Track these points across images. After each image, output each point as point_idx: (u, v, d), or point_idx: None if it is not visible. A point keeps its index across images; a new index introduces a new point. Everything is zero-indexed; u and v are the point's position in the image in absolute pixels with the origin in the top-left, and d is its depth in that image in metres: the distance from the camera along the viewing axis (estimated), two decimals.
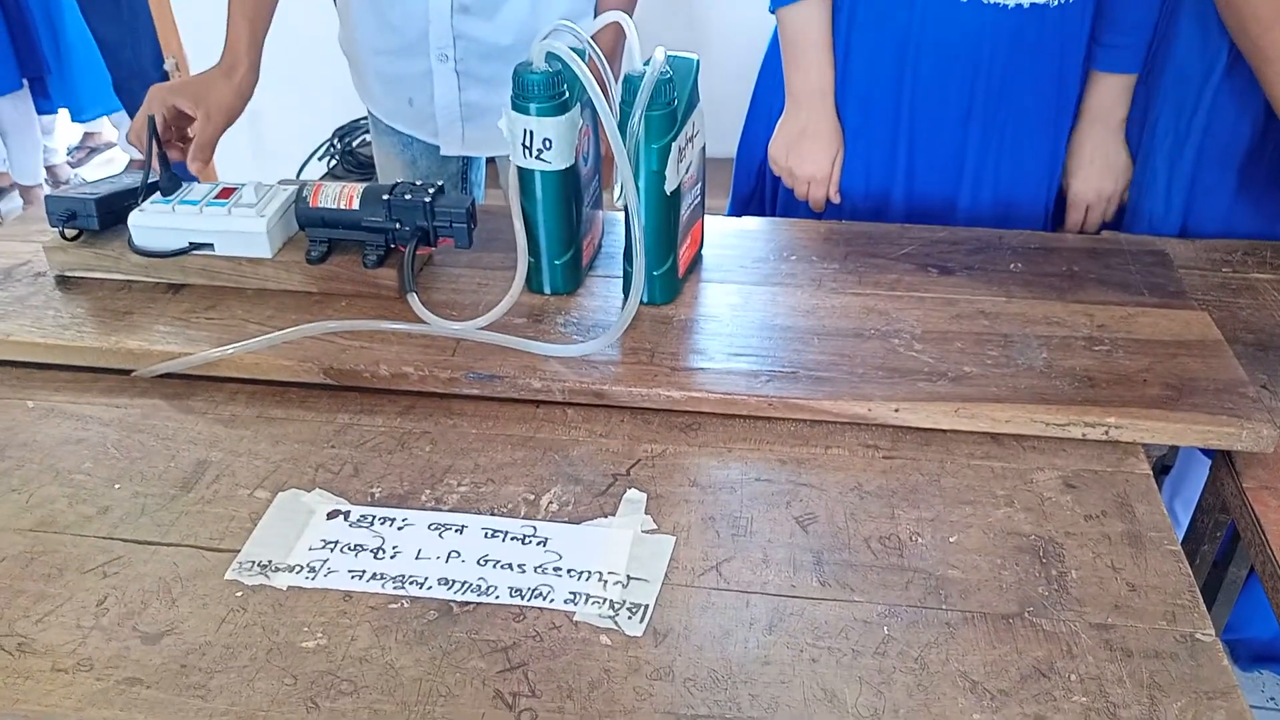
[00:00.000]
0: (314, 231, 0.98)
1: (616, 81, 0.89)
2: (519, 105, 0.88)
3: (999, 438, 0.82)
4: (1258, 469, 0.80)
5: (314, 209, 0.96)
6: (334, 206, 0.96)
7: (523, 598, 0.68)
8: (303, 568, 0.70)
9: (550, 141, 0.89)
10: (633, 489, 0.77)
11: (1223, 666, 0.62)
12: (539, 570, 0.70)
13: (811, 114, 1.20)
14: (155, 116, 1.08)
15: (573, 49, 0.86)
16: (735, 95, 1.56)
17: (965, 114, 1.18)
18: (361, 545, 0.72)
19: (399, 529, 0.74)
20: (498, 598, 0.68)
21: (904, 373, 0.85)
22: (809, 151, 1.21)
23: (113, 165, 3.51)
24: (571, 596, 0.68)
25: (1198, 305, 0.96)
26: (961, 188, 1.23)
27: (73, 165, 3.48)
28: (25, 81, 2.96)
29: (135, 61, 2.51)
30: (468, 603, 0.68)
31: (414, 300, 0.92)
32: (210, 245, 0.98)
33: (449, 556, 0.71)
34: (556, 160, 0.90)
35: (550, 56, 0.87)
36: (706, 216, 1.06)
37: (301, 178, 2.26)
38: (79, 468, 0.81)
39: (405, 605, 0.67)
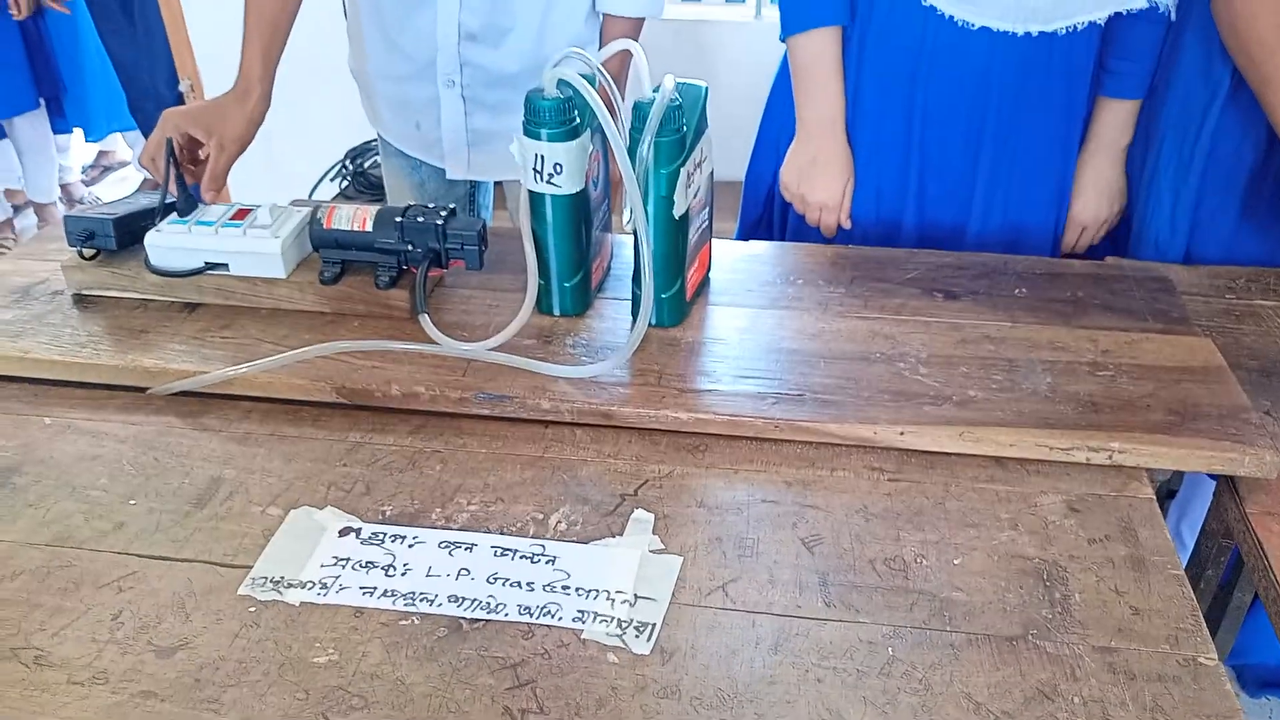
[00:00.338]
0: (327, 253, 0.99)
1: (623, 99, 0.91)
2: (530, 130, 0.90)
3: (1003, 461, 0.83)
4: (1261, 494, 0.81)
5: (328, 231, 0.98)
6: (348, 228, 0.97)
7: (531, 615, 0.69)
8: (315, 584, 0.71)
9: (561, 166, 0.90)
10: (640, 509, 0.78)
11: (1225, 691, 0.63)
12: (547, 589, 0.71)
13: (823, 142, 1.22)
14: (171, 140, 1.10)
15: (583, 75, 0.87)
16: (743, 119, 1.58)
17: (975, 140, 1.20)
18: (373, 562, 0.73)
19: (410, 547, 0.75)
20: (507, 615, 0.69)
21: (909, 396, 0.86)
22: (820, 179, 1.23)
23: (126, 184, 3.55)
24: (579, 615, 0.69)
25: (1201, 331, 0.97)
26: (972, 213, 1.24)
27: (87, 183, 3.52)
28: (42, 101, 3.00)
29: (150, 82, 2.54)
30: (477, 620, 0.68)
31: (425, 321, 0.93)
32: (225, 265, 0.99)
33: (459, 574, 0.72)
34: (567, 184, 0.91)
35: (561, 83, 0.88)
36: (714, 240, 1.07)
37: (313, 198, 2.28)
38: (95, 484, 0.82)
39: (416, 622, 0.68)
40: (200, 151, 1.15)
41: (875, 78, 1.19)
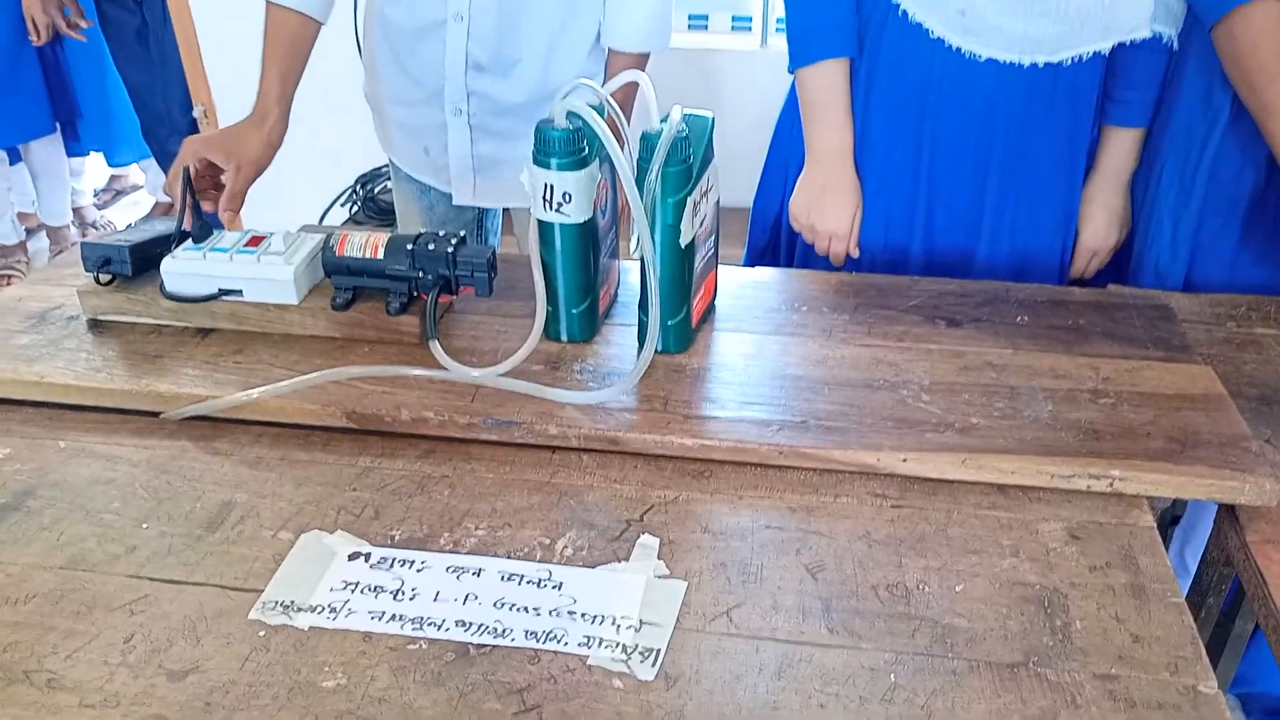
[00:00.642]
0: (339, 279, 1.01)
1: (630, 124, 0.93)
2: (540, 160, 0.92)
3: (1005, 488, 0.83)
4: (1261, 523, 0.82)
5: (340, 257, 1.00)
6: (359, 255, 0.99)
7: (538, 640, 0.69)
8: (324, 608, 0.72)
9: (570, 195, 0.92)
10: (646, 534, 0.79)
11: (1225, 719, 0.63)
12: (554, 614, 0.72)
13: (831, 172, 1.24)
14: (189, 168, 1.12)
15: (591, 106, 0.89)
16: (750, 147, 1.60)
17: (982, 169, 1.21)
18: (381, 587, 0.74)
19: (418, 571, 0.76)
20: (513, 640, 0.70)
21: (912, 423, 0.87)
22: (829, 208, 1.24)
23: (138, 208, 3.59)
24: (585, 640, 0.69)
25: (1202, 359, 0.97)
26: (979, 240, 1.26)
27: (99, 207, 3.56)
28: (57, 125, 3.05)
29: (164, 108, 2.58)
30: (484, 645, 0.69)
31: (435, 347, 0.94)
32: (239, 291, 1.01)
33: (466, 599, 0.73)
34: (575, 213, 0.93)
35: (570, 114, 0.90)
36: (721, 267, 1.08)
37: (324, 223, 2.30)
38: (108, 507, 0.83)
39: (423, 646, 0.69)
40: (221, 177, 1.18)
41: (884, 108, 1.21)
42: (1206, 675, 0.66)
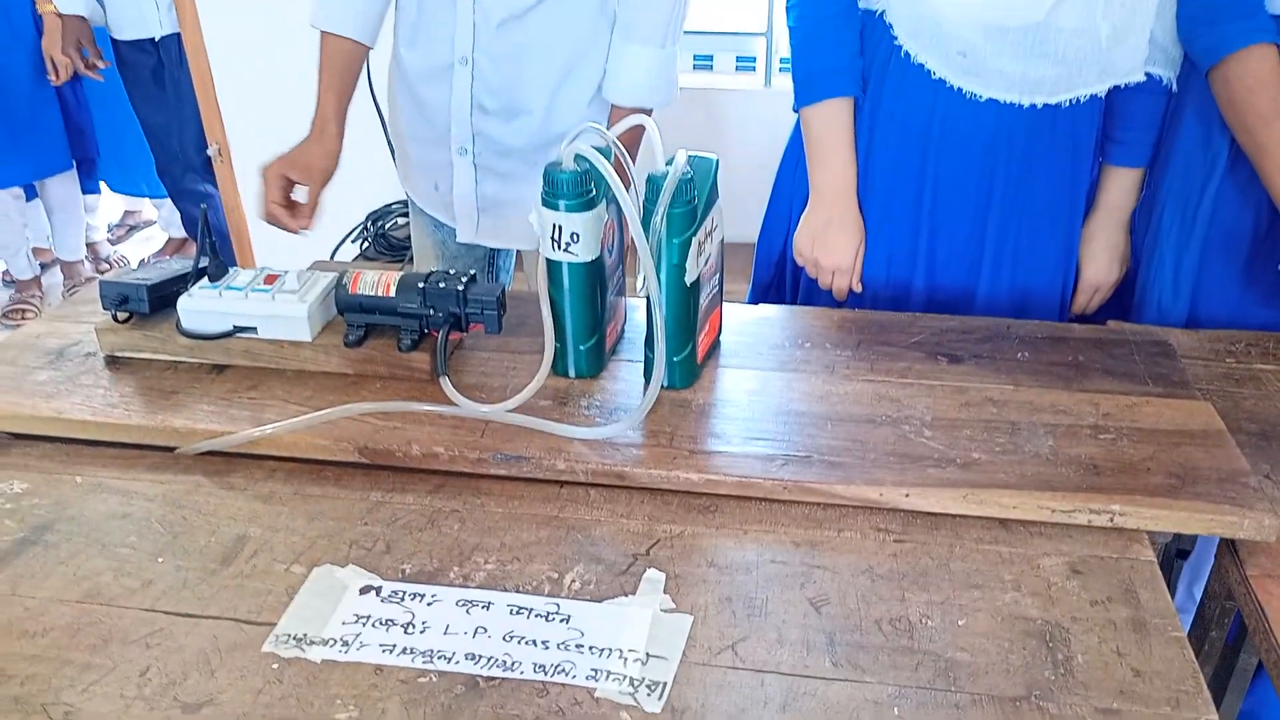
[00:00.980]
0: (352, 316, 1.03)
1: (634, 162, 0.95)
2: (549, 201, 0.94)
3: (1007, 523, 0.84)
4: (1261, 557, 0.82)
5: (353, 295, 1.02)
6: (372, 293, 1.01)
7: (546, 673, 0.71)
8: (336, 641, 0.74)
9: (578, 235, 0.94)
10: (652, 569, 0.80)
11: None
12: (562, 647, 0.73)
13: (835, 209, 1.26)
14: (207, 210, 1.15)
15: (598, 148, 0.92)
16: (754, 184, 1.63)
17: (983, 207, 1.24)
18: (392, 620, 0.75)
19: (428, 605, 0.77)
20: (522, 673, 0.71)
21: (914, 459, 0.88)
22: (833, 244, 1.27)
23: (151, 243, 3.63)
24: (593, 673, 0.70)
25: (1201, 395, 0.99)
26: (980, 277, 1.28)
27: (113, 242, 3.61)
28: (74, 162, 3.10)
29: (179, 147, 2.63)
30: (493, 678, 0.70)
31: (446, 383, 0.96)
32: (254, 329, 1.03)
33: (476, 632, 0.74)
34: (583, 253, 0.95)
35: (579, 156, 0.93)
36: (726, 303, 1.10)
37: (335, 259, 2.34)
38: (124, 541, 0.85)
39: (434, 679, 0.70)
40: (293, 194, 1.38)
41: (886, 146, 1.24)
42: (1208, 710, 0.67)
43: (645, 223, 0.91)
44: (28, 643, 0.74)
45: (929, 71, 1.16)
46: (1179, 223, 1.24)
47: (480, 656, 0.72)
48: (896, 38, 1.17)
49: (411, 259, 1.76)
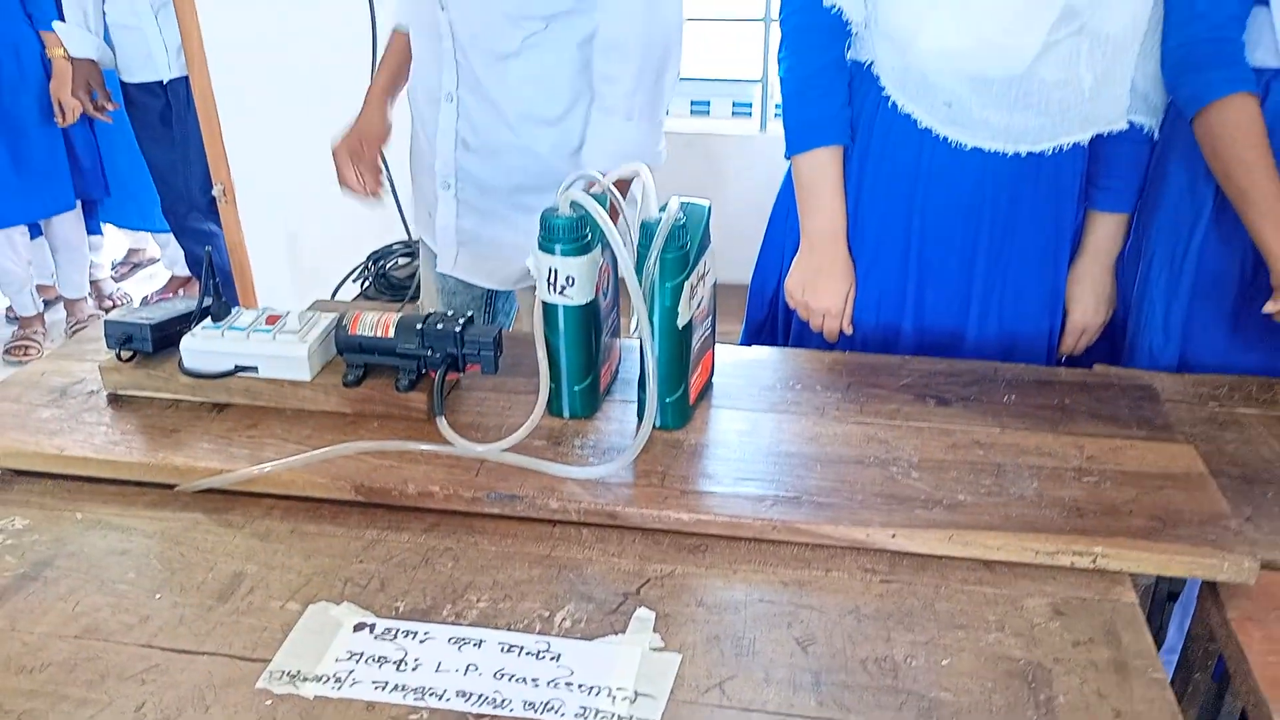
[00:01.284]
0: (351, 356, 1.05)
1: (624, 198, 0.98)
2: (545, 246, 0.96)
3: (991, 564, 0.86)
4: (1242, 599, 0.84)
5: (352, 336, 1.04)
6: (371, 334, 1.03)
7: (536, 711, 0.71)
8: (329, 678, 0.75)
9: (573, 279, 0.97)
10: (642, 607, 0.81)
11: None
12: (551, 684, 0.74)
13: (825, 253, 1.29)
14: (211, 252, 1.17)
15: (594, 196, 0.94)
16: (749, 226, 1.66)
17: (970, 252, 1.26)
18: (385, 657, 0.77)
19: (420, 642, 0.78)
20: (512, 710, 0.72)
21: (901, 500, 0.90)
22: (824, 288, 1.29)
23: (154, 280, 3.67)
24: (582, 710, 0.71)
25: (1185, 438, 1.00)
26: (968, 320, 1.30)
27: (116, 279, 3.64)
28: (79, 201, 3.14)
29: (185, 186, 2.67)
30: (484, 715, 0.71)
31: (442, 423, 0.98)
32: (255, 368, 1.05)
33: (467, 669, 0.75)
34: (578, 296, 0.97)
35: (574, 204, 0.95)
36: (719, 345, 1.12)
37: (336, 298, 2.37)
38: (123, 578, 0.86)
39: (425, 716, 0.71)
40: (359, 169, 1.59)
41: (875, 193, 1.27)
42: None
43: (639, 267, 0.93)
44: (25, 678, 0.75)
45: (915, 121, 1.20)
46: (1167, 271, 1.27)
47: (471, 694, 0.73)
48: (884, 88, 1.20)
49: (411, 298, 1.79)
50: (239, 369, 1.06)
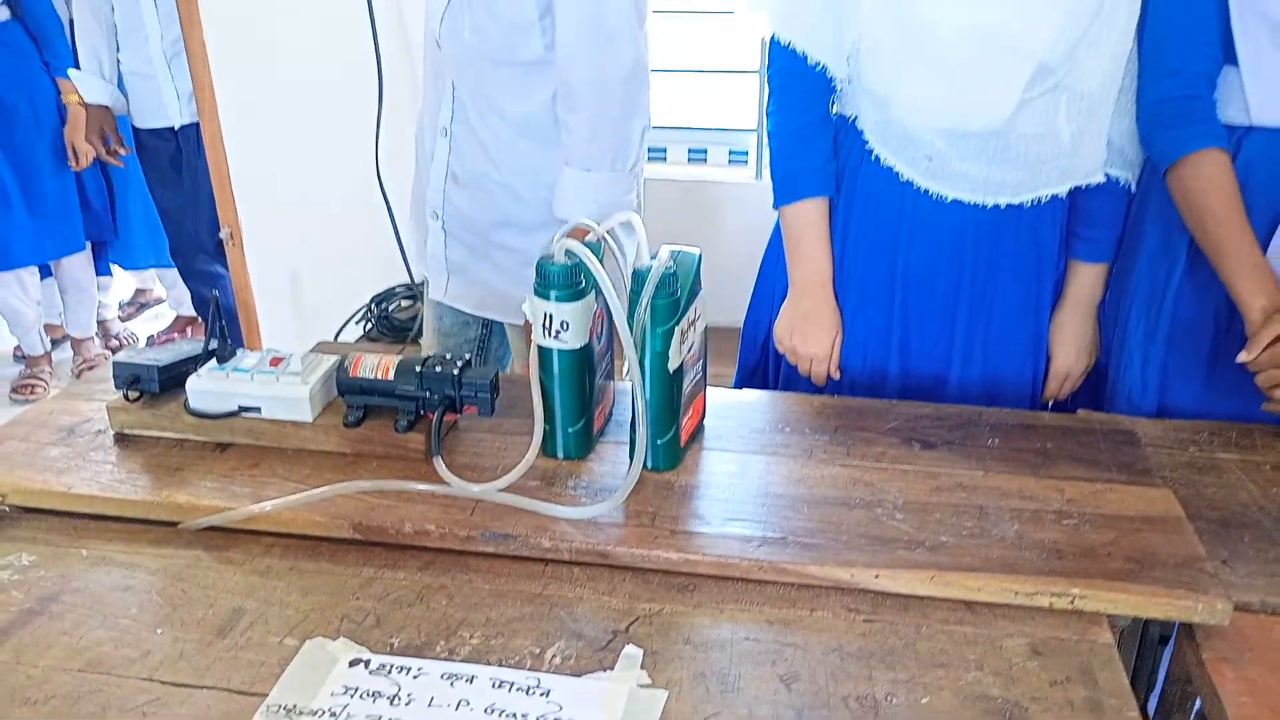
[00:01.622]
0: (352, 398, 1.08)
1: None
2: (540, 291, 1.00)
3: (972, 604, 0.88)
4: (1217, 641, 0.86)
5: (353, 378, 1.07)
6: (371, 376, 1.07)
7: None
8: (324, 713, 0.77)
9: (567, 324, 1.00)
10: (631, 645, 0.83)
11: None
12: None
13: (813, 301, 1.32)
14: (218, 296, 1.21)
15: (588, 245, 0.98)
16: (743, 270, 1.69)
17: (953, 300, 1.30)
18: (379, 692, 0.79)
19: (414, 677, 0.80)
20: None
21: (885, 541, 0.92)
22: (811, 334, 1.33)
23: (160, 320, 3.71)
24: None
25: (1164, 482, 1.03)
26: (951, 366, 1.33)
27: (123, 319, 3.68)
28: (88, 243, 3.20)
29: (193, 229, 2.72)
30: None
31: (439, 464, 1.01)
32: (258, 409, 1.08)
33: (459, 705, 0.77)
34: (572, 340, 1.01)
35: (569, 251, 0.99)
36: (710, 387, 1.15)
37: (339, 339, 2.40)
38: (125, 613, 0.88)
39: None
40: None
41: (860, 243, 1.30)
42: None
43: (630, 313, 0.96)
44: (29, 710, 0.77)
45: (897, 174, 1.24)
46: (1145, 321, 1.30)
47: None
48: (867, 142, 1.25)
49: (413, 340, 1.83)
50: (243, 409, 1.09)
